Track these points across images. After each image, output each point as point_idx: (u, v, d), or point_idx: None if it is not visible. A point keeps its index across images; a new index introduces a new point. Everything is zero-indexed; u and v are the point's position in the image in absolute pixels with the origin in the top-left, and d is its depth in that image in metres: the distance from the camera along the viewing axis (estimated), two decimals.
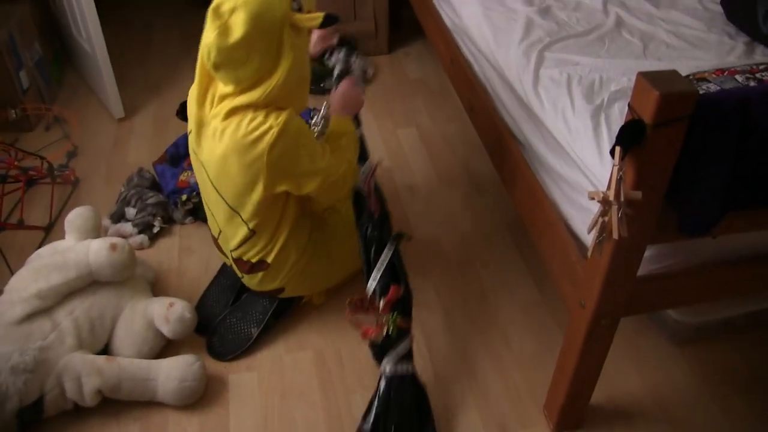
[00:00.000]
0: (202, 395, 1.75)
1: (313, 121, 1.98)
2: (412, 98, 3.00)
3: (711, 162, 1.18)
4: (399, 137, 2.71)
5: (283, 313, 1.94)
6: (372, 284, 1.65)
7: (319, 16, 1.50)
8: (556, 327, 1.97)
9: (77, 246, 1.81)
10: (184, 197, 2.24)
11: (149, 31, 3.56)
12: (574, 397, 1.61)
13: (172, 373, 1.70)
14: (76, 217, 1.94)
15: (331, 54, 1.91)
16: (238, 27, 1.43)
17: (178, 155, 2.47)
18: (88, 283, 1.78)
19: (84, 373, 1.64)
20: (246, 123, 1.52)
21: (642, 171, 1.15)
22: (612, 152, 1.13)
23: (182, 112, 2.79)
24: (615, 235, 1.13)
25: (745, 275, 1.49)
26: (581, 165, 1.45)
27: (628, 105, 1.14)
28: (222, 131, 1.55)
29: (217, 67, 1.48)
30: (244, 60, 1.47)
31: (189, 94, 1.68)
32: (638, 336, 1.95)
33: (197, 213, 2.28)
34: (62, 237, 1.96)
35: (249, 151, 1.53)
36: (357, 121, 1.86)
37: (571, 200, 1.52)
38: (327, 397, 1.78)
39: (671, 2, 2.08)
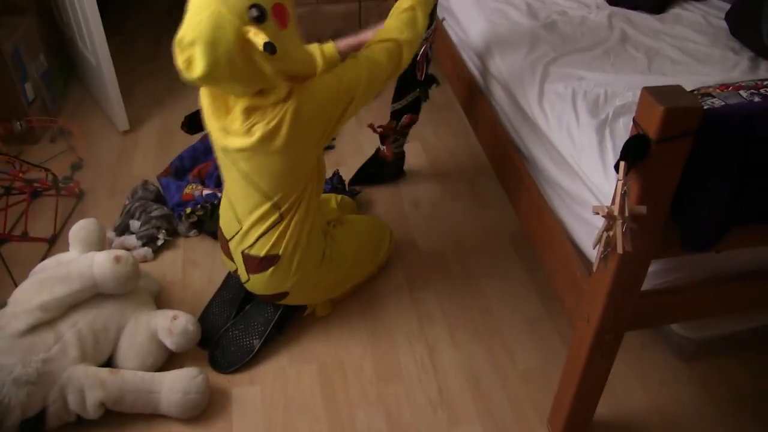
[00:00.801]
0: (205, 408, 1.74)
1: None
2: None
3: (715, 177, 1.18)
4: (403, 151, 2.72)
5: (285, 324, 1.94)
6: (395, 106, 2.22)
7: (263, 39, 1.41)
8: (560, 341, 1.96)
9: (81, 258, 1.81)
10: (188, 210, 2.25)
11: (156, 44, 3.58)
12: (578, 412, 1.60)
13: (176, 385, 1.69)
14: (80, 230, 1.94)
15: None
16: (198, 61, 1.41)
17: (183, 168, 2.47)
18: (91, 296, 1.78)
19: (87, 385, 1.63)
20: (269, 115, 1.53)
21: (646, 186, 1.15)
22: (616, 167, 1.13)
23: (187, 125, 2.81)
24: (619, 250, 1.13)
25: (750, 290, 1.48)
26: (586, 179, 1.45)
27: (633, 120, 1.15)
28: (250, 127, 1.55)
29: (213, 88, 1.52)
30: (229, 81, 1.47)
31: (201, 104, 1.68)
32: (643, 351, 1.94)
33: (202, 226, 2.28)
34: (66, 249, 1.97)
35: (278, 133, 1.54)
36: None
37: (575, 215, 1.52)
38: (331, 411, 1.77)
39: (676, 18, 2.09)
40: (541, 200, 1.65)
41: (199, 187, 2.34)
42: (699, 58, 1.83)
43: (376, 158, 2.46)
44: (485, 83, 2.04)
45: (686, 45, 1.90)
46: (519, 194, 1.79)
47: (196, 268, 2.18)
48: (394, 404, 1.79)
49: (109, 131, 2.85)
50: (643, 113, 1.12)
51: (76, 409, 1.64)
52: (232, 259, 1.86)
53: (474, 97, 2.10)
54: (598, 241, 1.18)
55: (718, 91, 1.44)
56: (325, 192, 2.18)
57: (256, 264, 1.78)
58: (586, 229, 1.46)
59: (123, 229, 2.25)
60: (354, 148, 2.73)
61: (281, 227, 1.72)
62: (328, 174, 2.41)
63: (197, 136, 2.72)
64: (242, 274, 1.85)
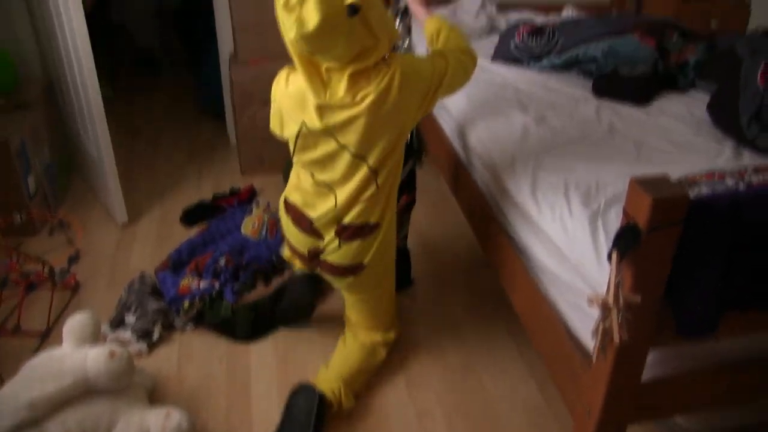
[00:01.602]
0: None
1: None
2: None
3: (705, 264, 1.19)
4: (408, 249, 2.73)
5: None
6: None
7: None
8: (560, 431, 1.92)
9: (74, 353, 1.78)
10: (186, 304, 2.24)
11: (157, 138, 3.67)
12: None
13: None
14: (74, 323, 1.92)
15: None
16: (312, 14, 1.47)
17: (181, 261, 2.48)
18: (83, 392, 1.74)
19: None
20: (377, 80, 1.62)
21: (639, 275, 1.16)
22: (609, 257, 1.14)
23: (185, 219, 2.86)
24: (616, 339, 1.12)
25: (756, 379, 1.46)
26: (580, 269, 1.45)
27: (623, 210, 1.17)
28: (356, 95, 1.62)
29: (314, 54, 1.58)
30: (335, 40, 1.53)
31: (287, 95, 1.74)
32: None
33: (201, 318, 2.27)
34: (60, 343, 1.94)
35: (390, 96, 1.62)
36: None
37: (571, 304, 1.52)
38: None
39: (660, 109, 2.15)
40: (536, 290, 1.65)
41: (196, 280, 2.34)
42: (685, 148, 1.87)
43: None
44: (479, 176, 2.08)
45: (672, 135, 1.95)
46: (514, 285, 1.79)
47: (191, 363, 2.15)
48: None
49: (108, 223, 2.87)
50: (632, 203, 1.14)
51: None
52: (319, 236, 1.87)
53: (468, 190, 2.14)
54: (597, 331, 1.18)
55: (704, 179, 1.48)
56: None
57: (352, 232, 1.82)
58: (583, 319, 1.45)
59: (118, 323, 2.24)
60: None
61: (379, 196, 1.79)
62: None
63: (195, 229, 2.76)
64: (330, 245, 1.86)
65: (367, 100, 1.61)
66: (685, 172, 1.60)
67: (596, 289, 1.38)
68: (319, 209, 1.84)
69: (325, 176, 1.80)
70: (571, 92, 2.31)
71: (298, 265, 2.05)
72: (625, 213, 1.16)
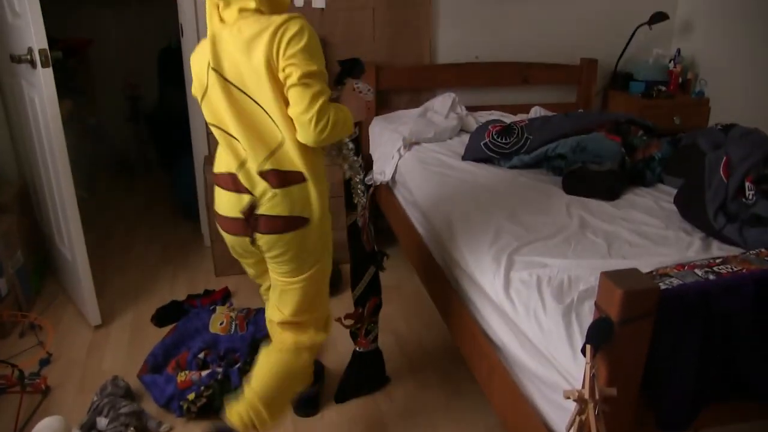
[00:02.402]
0: None
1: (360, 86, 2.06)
2: (388, 305, 2.99)
3: (679, 354, 1.20)
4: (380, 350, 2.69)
5: None
6: (357, 292, 2.25)
7: None
8: None
9: None
10: (191, 396, 2.20)
11: (132, 239, 3.66)
12: None
13: None
14: (43, 428, 1.86)
15: None
16: None
17: (158, 364, 2.44)
18: None
19: None
20: (266, 18, 1.67)
21: (614, 367, 1.16)
22: (583, 350, 1.15)
23: (157, 318, 2.82)
24: None
25: None
26: (556, 364, 1.45)
27: (595, 303, 1.18)
28: (240, 28, 1.67)
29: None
30: None
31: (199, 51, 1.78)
32: None
33: (211, 405, 2.21)
34: None
35: (268, 30, 1.63)
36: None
37: (548, 400, 1.50)
38: None
39: (629, 203, 2.21)
40: (515, 387, 1.64)
41: (192, 372, 2.30)
42: (655, 240, 1.91)
43: (354, 361, 2.39)
44: (452, 274, 2.09)
45: (642, 228, 2.00)
46: (492, 383, 1.77)
47: None
48: None
49: (80, 326, 2.82)
50: (603, 297, 1.16)
51: None
52: (248, 191, 1.77)
53: (443, 289, 2.14)
54: (572, 425, 1.16)
55: (675, 270, 1.50)
56: None
57: (278, 177, 1.75)
58: (561, 414, 1.43)
59: (90, 427, 2.15)
60: (328, 343, 2.68)
61: (289, 147, 1.73)
62: None
63: (166, 330, 2.72)
64: (265, 195, 1.76)
65: (251, 27, 1.67)
66: (656, 265, 1.63)
67: (572, 384, 1.37)
68: (231, 165, 1.80)
69: (227, 129, 1.80)
70: (541, 188, 2.37)
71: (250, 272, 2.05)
72: (597, 306, 1.18)
